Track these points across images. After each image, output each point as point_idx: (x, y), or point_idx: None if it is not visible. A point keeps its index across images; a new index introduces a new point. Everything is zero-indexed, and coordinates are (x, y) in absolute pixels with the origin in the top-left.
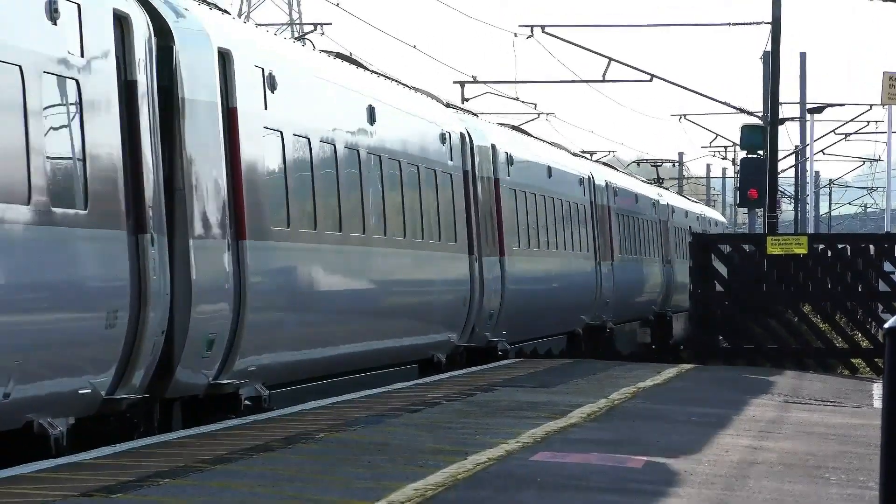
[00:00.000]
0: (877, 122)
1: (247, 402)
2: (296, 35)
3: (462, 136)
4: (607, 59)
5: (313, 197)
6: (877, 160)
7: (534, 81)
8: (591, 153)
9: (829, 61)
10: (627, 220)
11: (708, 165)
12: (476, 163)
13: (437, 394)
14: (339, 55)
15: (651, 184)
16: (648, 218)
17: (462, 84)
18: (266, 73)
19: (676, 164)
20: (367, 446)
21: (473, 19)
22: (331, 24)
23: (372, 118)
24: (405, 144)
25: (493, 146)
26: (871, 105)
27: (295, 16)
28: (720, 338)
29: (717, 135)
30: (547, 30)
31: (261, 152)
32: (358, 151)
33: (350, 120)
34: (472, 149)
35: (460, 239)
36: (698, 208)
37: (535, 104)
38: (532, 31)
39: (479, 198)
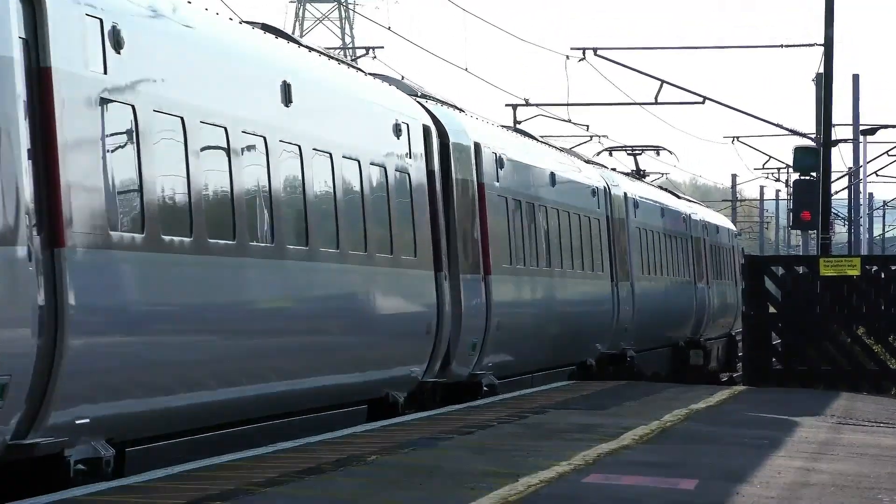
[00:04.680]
0: None
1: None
2: (349, 58)
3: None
4: (660, 81)
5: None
6: None
7: (586, 104)
8: (644, 172)
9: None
10: (530, 210)
11: (761, 188)
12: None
13: (488, 416)
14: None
15: (632, 175)
16: (589, 213)
17: (514, 107)
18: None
19: (661, 151)
20: (419, 469)
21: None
22: (383, 47)
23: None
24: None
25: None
26: None
27: (347, 39)
28: (773, 360)
29: (770, 157)
30: (599, 52)
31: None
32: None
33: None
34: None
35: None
36: (687, 207)
37: (587, 126)
38: (584, 53)
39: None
